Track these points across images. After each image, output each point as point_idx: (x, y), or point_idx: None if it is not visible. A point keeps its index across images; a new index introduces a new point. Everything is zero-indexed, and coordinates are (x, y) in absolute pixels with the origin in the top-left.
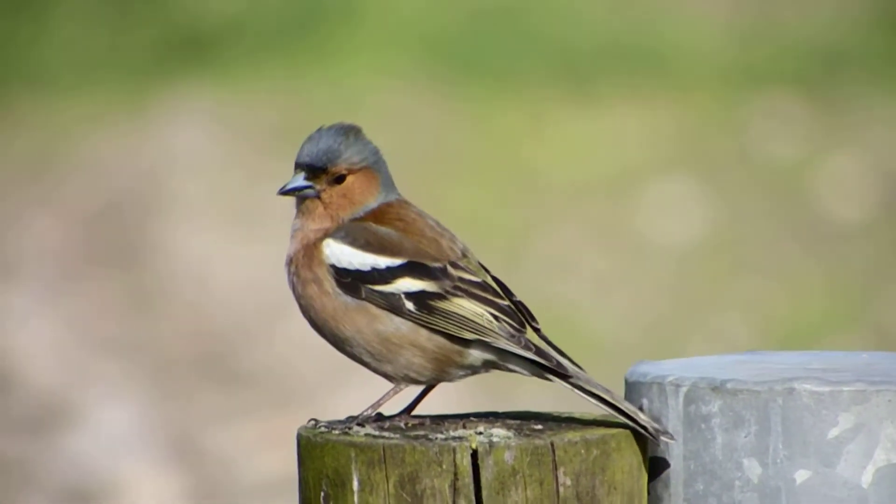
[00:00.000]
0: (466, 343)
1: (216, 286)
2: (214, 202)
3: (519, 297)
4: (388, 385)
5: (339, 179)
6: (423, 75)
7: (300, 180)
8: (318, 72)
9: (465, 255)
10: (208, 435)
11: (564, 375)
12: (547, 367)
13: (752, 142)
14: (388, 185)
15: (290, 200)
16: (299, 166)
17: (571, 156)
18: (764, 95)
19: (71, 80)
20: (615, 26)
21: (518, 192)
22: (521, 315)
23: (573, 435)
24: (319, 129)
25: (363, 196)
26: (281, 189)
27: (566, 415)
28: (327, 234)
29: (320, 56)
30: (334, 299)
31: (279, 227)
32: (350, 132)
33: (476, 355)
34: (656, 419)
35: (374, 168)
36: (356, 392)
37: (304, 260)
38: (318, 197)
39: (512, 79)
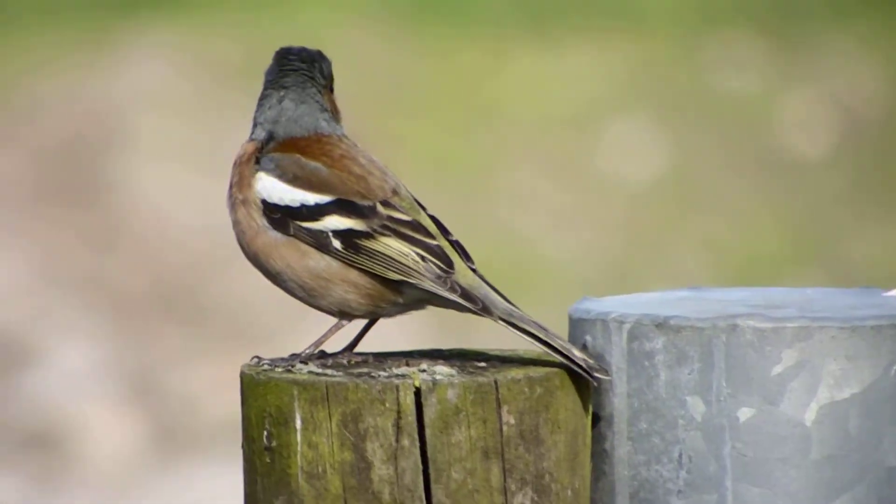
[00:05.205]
0: (396, 281)
1: (176, 224)
2: (174, 139)
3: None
4: (332, 322)
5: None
6: (382, 12)
7: None
8: (277, 8)
9: (396, 193)
10: (169, 374)
11: (492, 314)
12: (472, 309)
13: (709, 80)
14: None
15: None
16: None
17: (531, 93)
18: (721, 33)
19: (30, 16)
20: None
21: (478, 129)
22: (455, 254)
23: (517, 373)
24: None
25: None
26: None
27: (510, 352)
28: (259, 158)
29: None
30: (265, 233)
31: None
32: None
33: (409, 293)
34: (598, 356)
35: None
36: (316, 329)
37: (237, 179)
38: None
39: (471, 17)
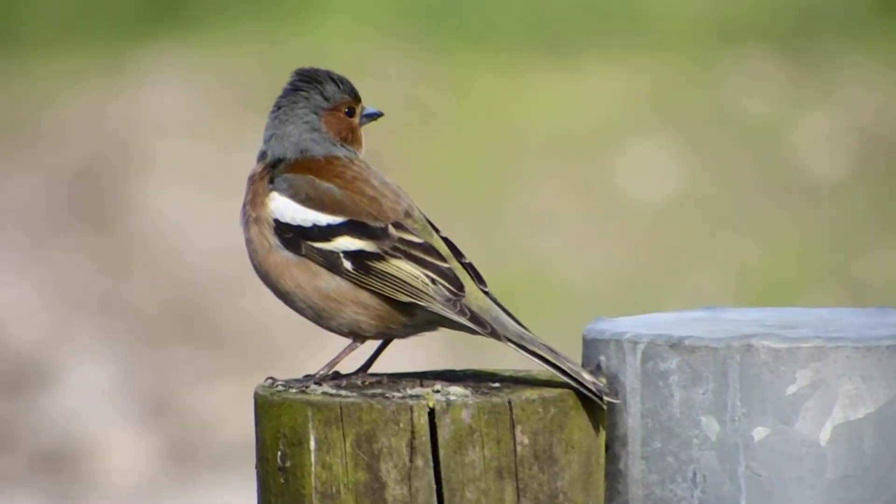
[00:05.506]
0: (406, 303)
1: (193, 246)
2: (190, 162)
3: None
4: (346, 342)
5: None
6: (400, 35)
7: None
8: (294, 32)
9: (409, 215)
10: (184, 394)
11: (501, 338)
12: (481, 333)
13: (728, 99)
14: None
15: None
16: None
17: (548, 113)
18: (740, 52)
19: (47, 38)
20: None
21: (495, 150)
22: (467, 276)
23: (531, 393)
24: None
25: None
26: (379, 112)
27: (524, 373)
28: (273, 178)
29: (296, 16)
30: (277, 252)
31: None
32: None
33: (419, 315)
34: (612, 376)
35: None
36: (331, 350)
37: (251, 198)
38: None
39: (488, 38)
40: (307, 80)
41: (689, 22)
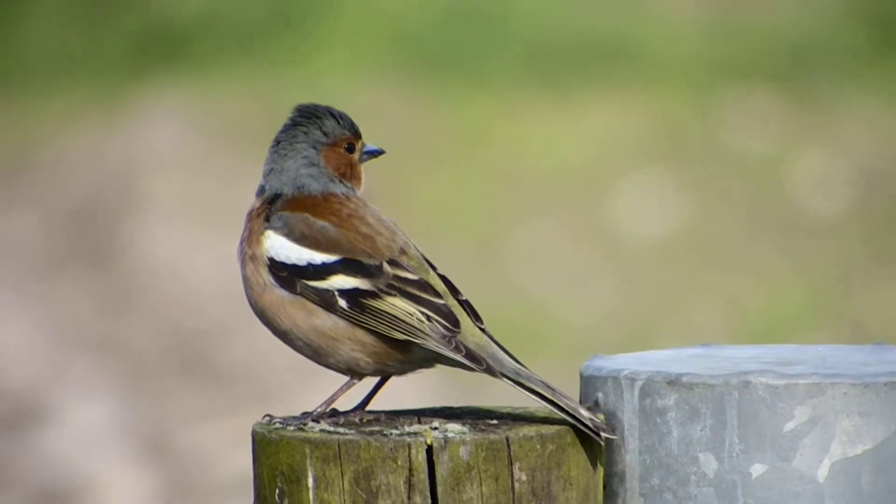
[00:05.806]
0: (402, 340)
1: (191, 284)
2: (189, 200)
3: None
4: (343, 380)
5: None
6: (397, 72)
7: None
8: (292, 70)
9: (404, 252)
10: (184, 433)
11: (497, 375)
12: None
13: (725, 136)
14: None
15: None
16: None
17: (545, 150)
18: (736, 90)
19: (45, 77)
20: (587, 22)
21: (492, 187)
22: (463, 313)
23: (529, 430)
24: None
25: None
26: (380, 150)
27: (522, 410)
28: (269, 216)
29: (295, 54)
30: (272, 291)
31: None
32: None
33: (415, 352)
34: (610, 413)
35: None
36: (329, 387)
37: (247, 234)
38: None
39: (486, 75)
40: (307, 116)
41: (685, 59)
